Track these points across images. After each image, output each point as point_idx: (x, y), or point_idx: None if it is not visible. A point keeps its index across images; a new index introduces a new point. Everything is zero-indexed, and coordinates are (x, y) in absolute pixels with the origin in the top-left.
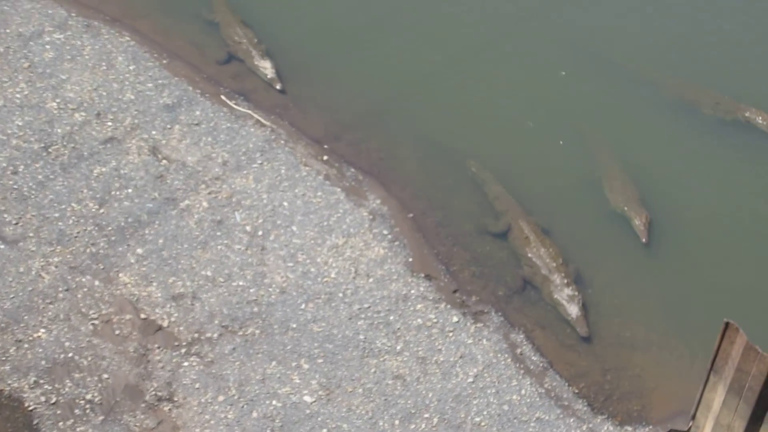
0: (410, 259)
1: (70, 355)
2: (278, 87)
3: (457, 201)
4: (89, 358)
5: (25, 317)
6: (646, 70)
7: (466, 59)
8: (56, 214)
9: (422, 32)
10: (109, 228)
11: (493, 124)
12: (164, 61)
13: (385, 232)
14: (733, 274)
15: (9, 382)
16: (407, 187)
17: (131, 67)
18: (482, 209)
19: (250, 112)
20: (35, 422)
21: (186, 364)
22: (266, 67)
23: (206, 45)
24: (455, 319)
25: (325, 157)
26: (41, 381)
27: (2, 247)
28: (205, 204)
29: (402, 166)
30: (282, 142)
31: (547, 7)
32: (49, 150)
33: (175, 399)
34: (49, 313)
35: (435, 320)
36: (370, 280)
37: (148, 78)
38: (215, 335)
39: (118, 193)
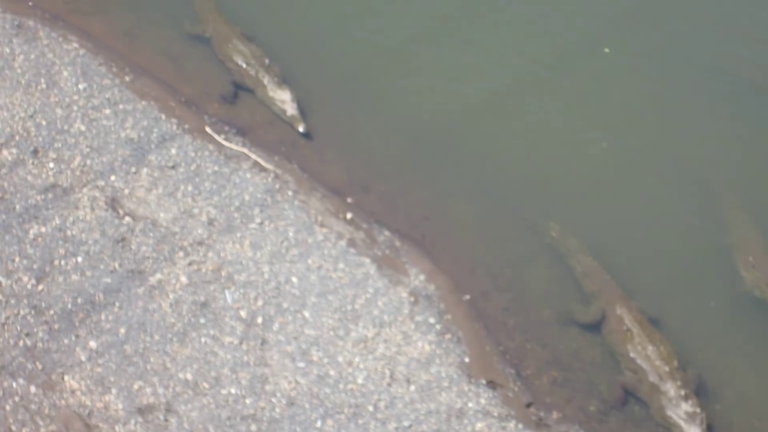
0: (467, 359)
1: None
2: (301, 129)
3: (532, 278)
4: None
5: None
6: None
7: (540, 79)
8: None
9: (480, 47)
10: (51, 312)
11: (580, 171)
12: (127, 78)
13: (432, 320)
14: None
15: None
16: (462, 258)
17: (81, 86)
18: (566, 290)
19: (245, 150)
20: None
21: None
22: (285, 101)
23: (186, 56)
24: None
25: (349, 215)
26: None
27: None
28: (183, 279)
29: (455, 230)
30: (290, 193)
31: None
32: None
33: None
34: None
35: None
36: (412, 387)
37: (104, 102)
38: None
39: (63, 262)
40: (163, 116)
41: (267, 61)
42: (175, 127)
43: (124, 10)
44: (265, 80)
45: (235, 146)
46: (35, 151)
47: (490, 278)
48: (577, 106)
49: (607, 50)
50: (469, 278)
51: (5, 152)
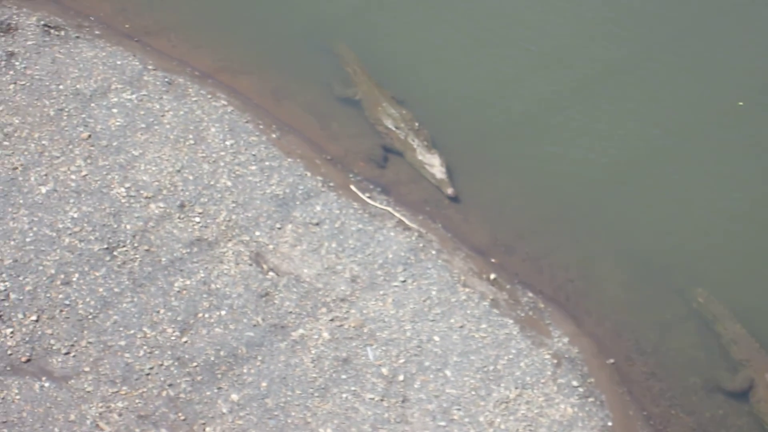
0: (610, 423)
1: None
2: (449, 192)
3: (677, 344)
4: None
5: None
6: None
7: (685, 144)
8: (122, 343)
9: (627, 106)
10: (194, 364)
11: (728, 237)
12: (273, 136)
13: (575, 383)
14: None
15: None
16: (606, 321)
17: (228, 143)
18: (712, 357)
19: (390, 209)
20: None
21: None
22: (434, 165)
23: (331, 115)
24: None
25: (493, 276)
26: None
27: (47, 385)
28: (326, 335)
29: (599, 292)
30: (433, 252)
31: None
32: (115, 253)
33: None
34: None
35: None
36: None
37: (250, 158)
38: None
39: (207, 315)
40: (309, 173)
41: (417, 124)
42: (320, 184)
43: (273, 70)
44: (415, 144)
45: (379, 205)
46: (182, 206)
47: (634, 343)
48: (723, 171)
49: (741, 104)
50: (614, 342)
51: (153, 206)
